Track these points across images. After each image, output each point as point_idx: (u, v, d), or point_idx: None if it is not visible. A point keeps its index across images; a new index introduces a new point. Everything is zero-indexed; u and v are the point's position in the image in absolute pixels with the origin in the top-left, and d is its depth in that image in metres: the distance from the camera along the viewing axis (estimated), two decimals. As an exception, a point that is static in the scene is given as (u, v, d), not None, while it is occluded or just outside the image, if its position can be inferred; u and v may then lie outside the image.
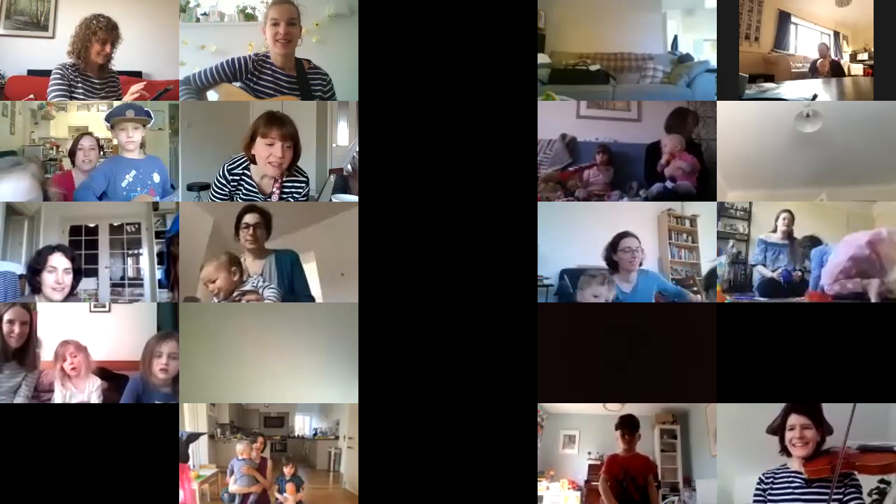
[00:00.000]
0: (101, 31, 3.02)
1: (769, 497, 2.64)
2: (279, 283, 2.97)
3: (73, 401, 2.85)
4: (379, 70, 2.81)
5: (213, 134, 3.13)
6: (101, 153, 3.14)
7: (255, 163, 2.94)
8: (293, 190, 2.97)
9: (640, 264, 3.03)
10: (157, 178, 3.10)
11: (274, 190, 2.95)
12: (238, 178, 2.95)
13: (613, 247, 3.02)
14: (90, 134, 3.14)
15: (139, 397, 2.84)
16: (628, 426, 2.96)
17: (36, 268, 2.88)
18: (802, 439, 2.60)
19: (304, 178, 3.00)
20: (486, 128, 2.79)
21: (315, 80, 3.07)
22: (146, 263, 3.15)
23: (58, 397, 2.85)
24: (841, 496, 2.52)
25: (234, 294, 2.91)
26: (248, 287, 2.93)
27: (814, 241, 3.01)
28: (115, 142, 3.12)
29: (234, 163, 2.96)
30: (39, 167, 3.10)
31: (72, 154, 3.12)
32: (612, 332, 2.84)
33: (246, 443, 3.04)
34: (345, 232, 2.84)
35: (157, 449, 2.79)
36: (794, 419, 2.63)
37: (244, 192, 2.95)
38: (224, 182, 2.95)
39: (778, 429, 2.66)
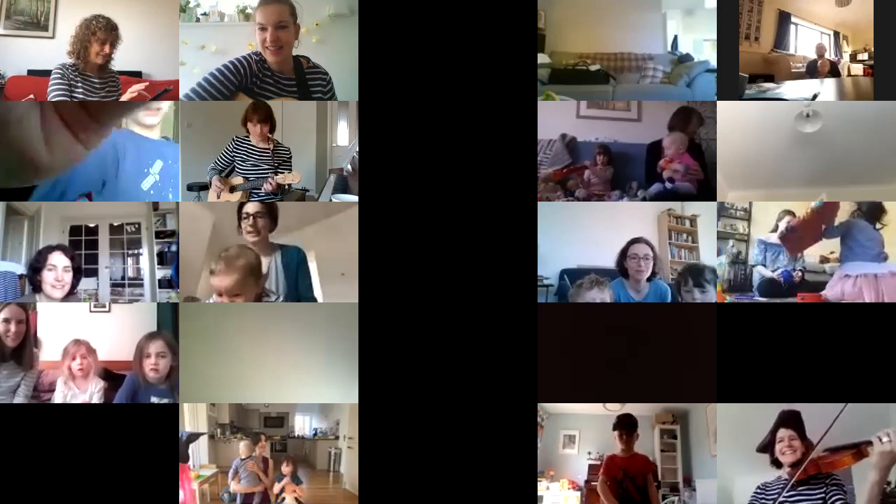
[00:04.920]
0: (101, 31, 3.02)
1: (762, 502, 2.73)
2: (287, 286, 2.96)
3: (75, 401, 2.85)
4: (379, 70, 2.80)
5: (213, 134, 3.13)
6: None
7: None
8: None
9: (654, 274, 3.02)
10: (157, 165, 3.05)
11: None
12: (239, 143, 3.08)
13: (624, 252, 3.02)
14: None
15: (136, 395, 2.85)
16: (626, 426, 2.96)
17: (36, 266, 2.89)
18: (791, 447, 2.70)
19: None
20: (486, 128, 2.79)
21: (315, 78, 3.05)
22: (146, 263, 3.14)
23: (58, 397, 2.85)
24: (824, 496, 2.60)
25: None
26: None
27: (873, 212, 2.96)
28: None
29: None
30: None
31: None
32: (612, 332, 2.83)
33: (249, 441, 3.05)
34: (345, 232, 2.84)
35: (157, 449, 2.79)
36: (783, 433, 2.73)
37: (244, 154, 3.06)
38: (224, 152, 3.06)
39: (767, 445, 2.75)
